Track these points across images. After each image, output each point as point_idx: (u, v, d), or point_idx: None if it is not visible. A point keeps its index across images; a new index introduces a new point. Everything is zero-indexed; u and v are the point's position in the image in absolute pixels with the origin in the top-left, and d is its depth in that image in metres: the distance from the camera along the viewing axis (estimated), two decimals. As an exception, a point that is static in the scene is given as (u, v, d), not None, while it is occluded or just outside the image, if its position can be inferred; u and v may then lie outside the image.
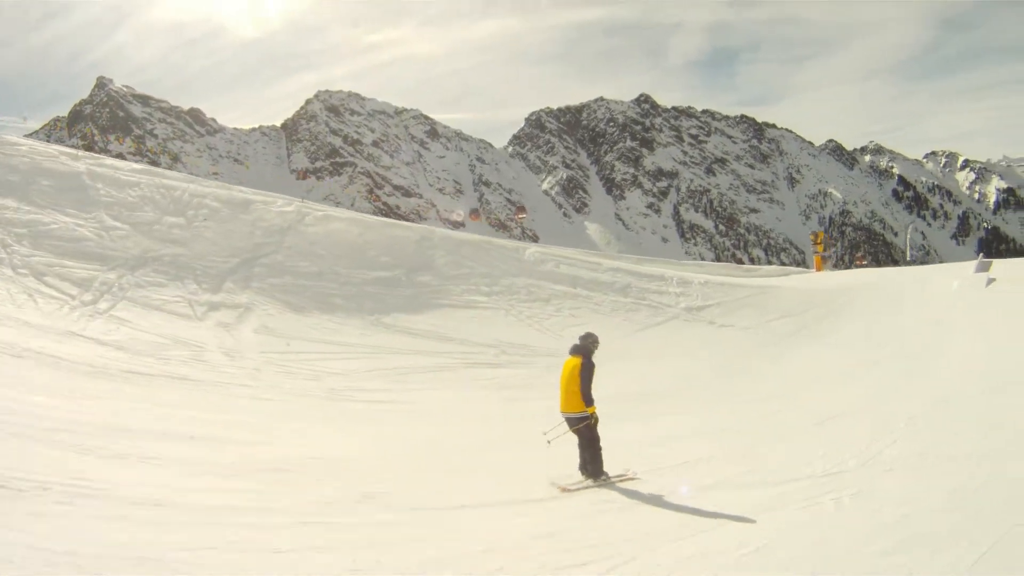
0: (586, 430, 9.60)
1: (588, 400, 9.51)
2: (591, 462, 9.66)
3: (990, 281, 23.93)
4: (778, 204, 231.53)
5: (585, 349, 9.80)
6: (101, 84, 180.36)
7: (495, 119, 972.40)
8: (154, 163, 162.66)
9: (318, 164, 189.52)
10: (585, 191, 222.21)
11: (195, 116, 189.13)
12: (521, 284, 27.82)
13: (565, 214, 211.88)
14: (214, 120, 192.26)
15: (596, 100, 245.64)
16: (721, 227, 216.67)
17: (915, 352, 17.64)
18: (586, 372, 9.51)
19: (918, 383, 14.18)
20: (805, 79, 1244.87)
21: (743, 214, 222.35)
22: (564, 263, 30.82)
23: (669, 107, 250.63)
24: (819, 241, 54.72)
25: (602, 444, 9.63)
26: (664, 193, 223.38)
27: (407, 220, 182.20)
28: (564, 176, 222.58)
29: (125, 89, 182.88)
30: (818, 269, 48.05)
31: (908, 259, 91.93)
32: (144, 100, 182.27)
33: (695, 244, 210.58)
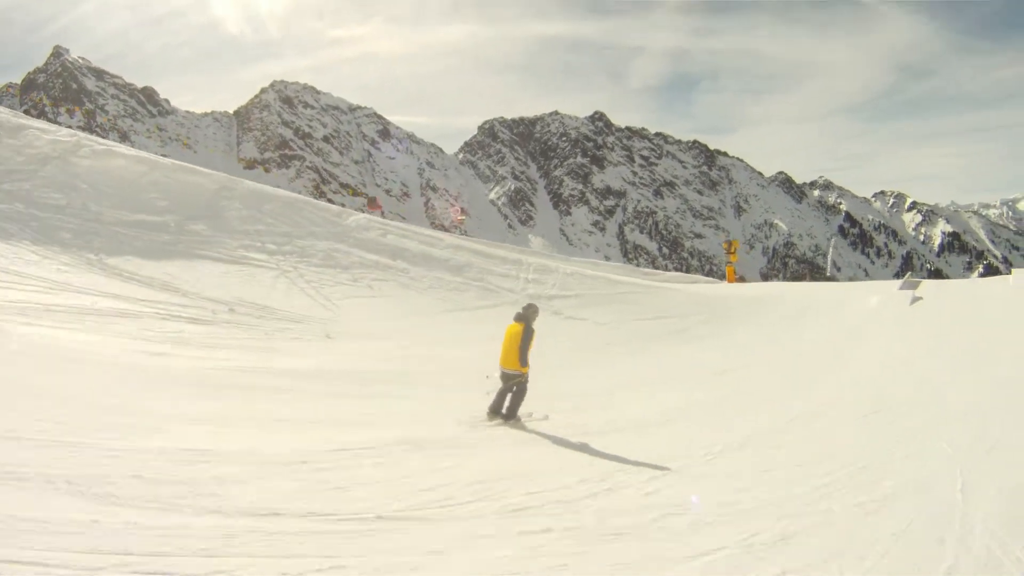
0: (518, 384, 11.23)
1: (523, 361, 11.10)
2: (512, 408, 11.28)
3: (915, 300, 24.58)
4: (723, 231, 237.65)
5: (526, 317, 11.36)
6: (57, 53, 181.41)
7: (449, 125, 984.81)
8: (103, 139, 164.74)
9: (267, 155, 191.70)
10: (532, 204, 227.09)
11: (148, 95, 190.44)
12: (322, 247, 26.62)
13: (510, 225, 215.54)
14: (167, 101, 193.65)
15: (551, 114, 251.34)
16: (665, 249, 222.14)
17: (785, 365, 17.86)
18: (526, 337, 11.07)
19: (751, 399, 13.89)
20: (761, 112, 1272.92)
21: (688, 238, 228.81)
22: (395, 233, 30.07)
23: (623, 127, 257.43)
24: (732, 250, 54.88)
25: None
26: (611, 212, 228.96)
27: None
28: (512, 187, 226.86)
29: (81, 61, 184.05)
30: (730, 280, 48.23)
31: (828, 275, 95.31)
32: (99, 74, 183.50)
33: (637, 265, 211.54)
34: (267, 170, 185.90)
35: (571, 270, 31.00)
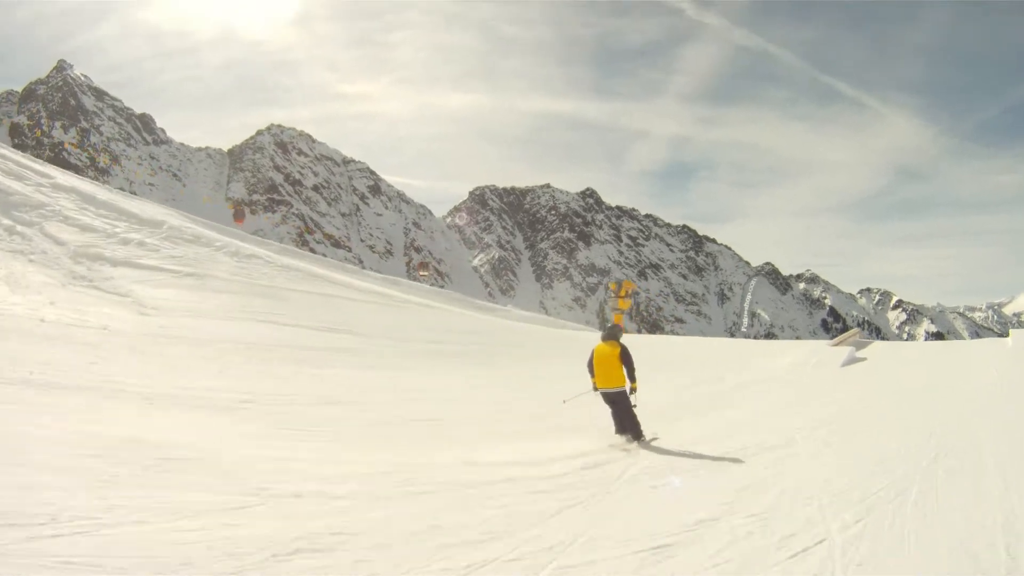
0: (627, 401, 11.73)
1: (633, 376, 11.71)
2: (636, 425, 11.66)
3: (853, 360, 21.74)
4: (705, 318, 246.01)
5: (616, 336, 12.01)
6: (60, 67, 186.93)
7: (441, 189, 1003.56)
8: (92, 160, 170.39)
9: (255, 197, 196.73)
10: (514, 274, 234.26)
11: (145, 122, 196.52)
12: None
13: (490, 293, 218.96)
14: (163, 131, 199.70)
15: (543, 186, 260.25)
16: (644, 332, 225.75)
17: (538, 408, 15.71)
18: (627, 353, 11.68)
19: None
20: (754, 204, 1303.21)
21: (668, 322, 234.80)
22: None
23: (613, 205, 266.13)
24: (622, 294, 41.12)
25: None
26: (593, 289, 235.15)
27: (332, 272, 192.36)
28: (496, 256, 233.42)
29: (83, 78, 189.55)
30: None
31: (743, 329, 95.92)
32: (99, 94, 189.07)
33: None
34: (253, 212, 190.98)
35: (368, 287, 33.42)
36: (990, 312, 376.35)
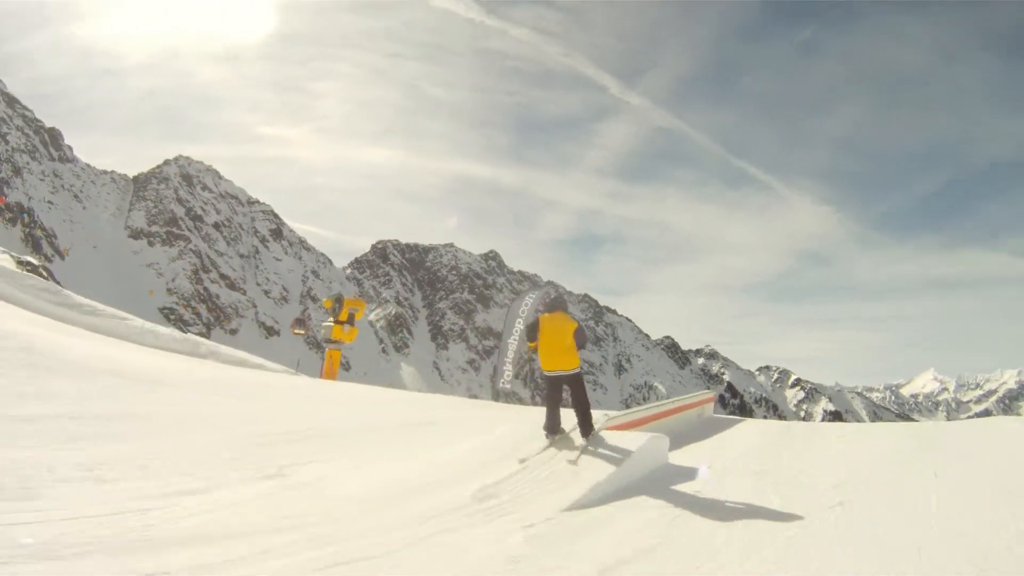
0: (580, 385, 10.84)
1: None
2: (587, 416, 10.75)
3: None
4: (601, 388, 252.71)
5: (565, 304, 11.13)
6: None
7: (345, 241, 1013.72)
8: None
9: (154, 228, 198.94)
10: (410, 332, 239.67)
11: (53, 137, 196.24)
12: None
13: (384, 350, 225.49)
14: (70, 148, 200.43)
15: (446, 245, 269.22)
16: (537, 399, 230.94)
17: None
18: (581, 326, 10.76)
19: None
20: (658, 280, 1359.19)
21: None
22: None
23: (516, 269, 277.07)
24: (342, 316, 36.03)
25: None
26: (488, 353, 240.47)
27: (223, 312, 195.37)
28: (393, 312, 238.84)
29: None
30: (330, 367, 34.28)
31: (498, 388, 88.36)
32: (10, 100, 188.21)
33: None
34: (151, 244, 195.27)
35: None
36: (887, 392, 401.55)
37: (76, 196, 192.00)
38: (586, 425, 10.74)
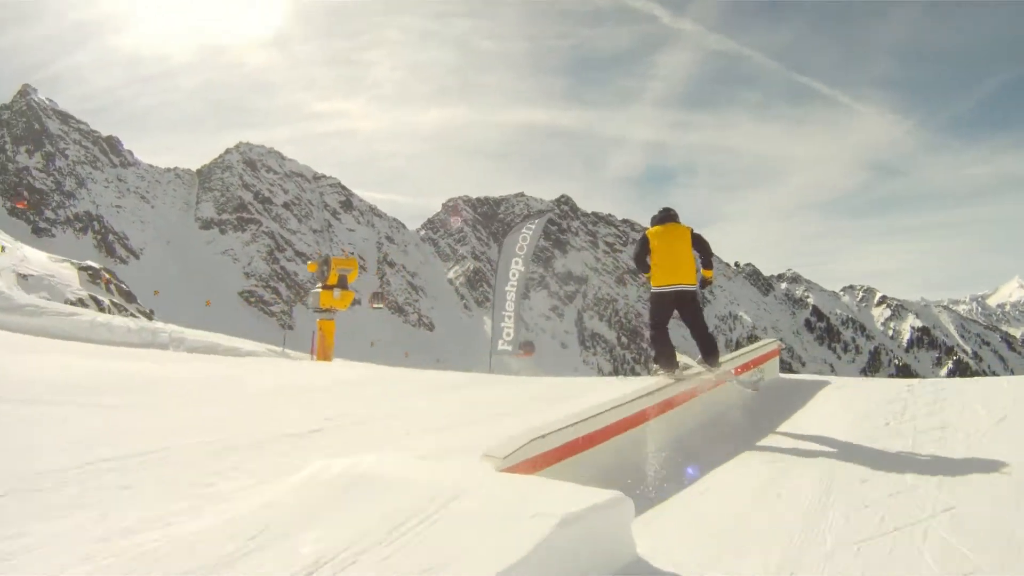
0: (698, 306, 9.54)
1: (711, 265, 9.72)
2: (710, 342, 9.46)
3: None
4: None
5: (676, 215, 9.87)
6: (24, 92, 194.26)
7: (416, 204, 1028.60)
8: (58, 184, 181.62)
9: (224, 216, 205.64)
10: (490, 285, 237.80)
11: (111, 145, 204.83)
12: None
13: (466, 306, 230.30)
14: (130, 152, 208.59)
15: (516, 195, 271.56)
16: (624, 339, 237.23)
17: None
18: (705, 240, 9.58)
19: None
20: (733, 207, 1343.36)
21: (648, 328, 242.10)
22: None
23: (589, 212, 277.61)
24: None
25: None
26: (570, 298, 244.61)
27: (303, 288, 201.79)
28: (471, 268, 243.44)
29: (47, 102, 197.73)
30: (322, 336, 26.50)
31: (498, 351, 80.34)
32: (64, 117, 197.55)
33: (594, 353, 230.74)
34: (223, 232, 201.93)
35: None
36: (974, 304, 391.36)
37: (143, 197, 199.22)
38: (714, 353, 9.51)
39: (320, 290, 24.81)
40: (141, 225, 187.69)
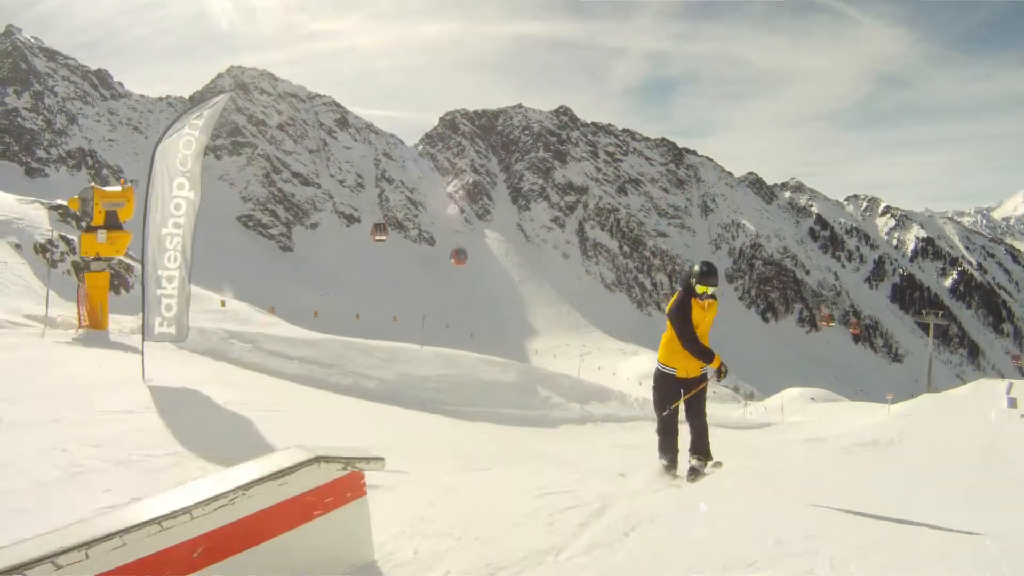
0: (703, 393, 8.89)
1: (702, 351, 8.62)
2: (704, 436, 8.90)
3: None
4: (688, 230, 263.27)
5: (685, 279, 8.79)
6: (8, 32, 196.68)
7: (414, 119, 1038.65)
8: (49, 123, 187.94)
9: (219, 142, 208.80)
10: (490, 198, 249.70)
11: (101, 78, 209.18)
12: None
13: (466, 219, 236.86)
14: (120, 84, 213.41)
15: (515, 107, 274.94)
16: (626, 248, 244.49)
17: None
18: (677, 311, 8.68)
19: None
20: (736, 117, 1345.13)
21: (651, 237, 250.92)
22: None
23: (588, 122, 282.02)
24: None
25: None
26: (571, 208, 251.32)
27: (300, 209, 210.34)
28: (471, 181, 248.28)
29: (32, 40, 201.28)
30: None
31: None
32: (51, 55, 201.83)
33: (596, 263, 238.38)
34: (218, 157, 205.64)
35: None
36: (979, 217, 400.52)
37: (136, 128, 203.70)
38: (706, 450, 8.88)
39: (82, 233, 18.25)
40: (135, 156, 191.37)
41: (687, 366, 8.73)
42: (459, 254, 71.42)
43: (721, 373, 8.77)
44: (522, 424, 23.15)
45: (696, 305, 8.62)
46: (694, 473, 8.65)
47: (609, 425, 26.50)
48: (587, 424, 25.79)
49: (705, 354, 8.57)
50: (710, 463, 8.80)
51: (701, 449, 8.77)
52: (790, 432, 36.61)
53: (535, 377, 29.06)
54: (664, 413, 8.96)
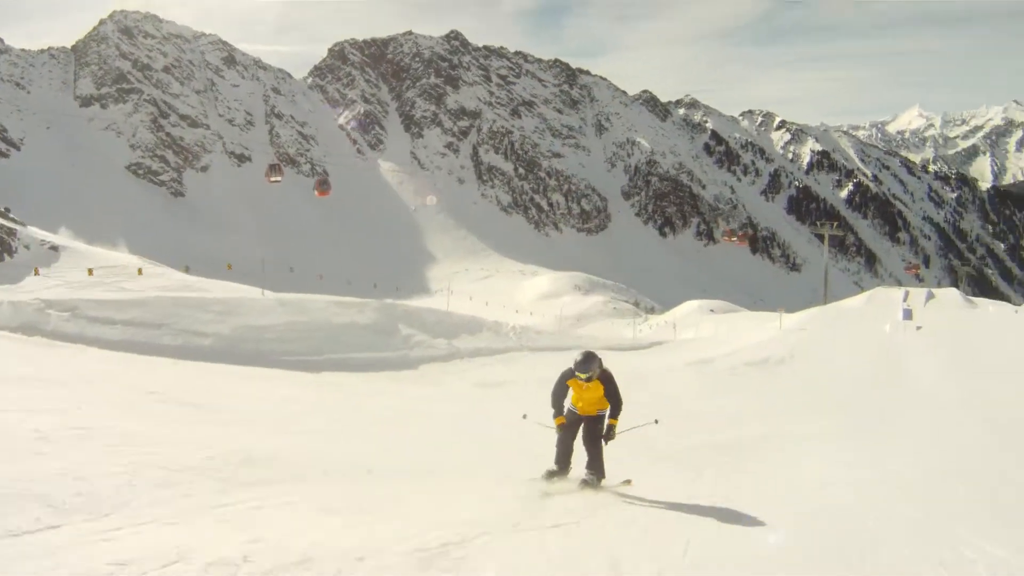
0: (597, 428, 10.91)
1: (554, 403, 11.09)
2: (597, 459, 10.85)
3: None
4: (583, 150, 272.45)
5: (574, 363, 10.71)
6: None
7: (304, 52, 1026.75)
8: None
9: (104, 90, 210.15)
10: (382, 127, 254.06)
11: None
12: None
13: (359, 150, 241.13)
14: (0, 40, 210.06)
15: (404, 34, 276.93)
16: (521, 170, 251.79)
17: None
18: (559, 377, 11.04)
19: None
20: (632, 37, 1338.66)
21: (545, 158, 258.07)
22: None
23: (480, 46, 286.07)
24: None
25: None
26: (464, 133, 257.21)
27: (190, 152, 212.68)
28: (362, 111, 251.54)
29: None
30: None
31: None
32: None
33: (492, 187, 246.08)
34: (104, 107, 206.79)
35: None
36: (874, 131, 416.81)
37: (17, 84, 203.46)
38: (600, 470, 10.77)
39: None
40: (19, 114, 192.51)
41: (584, 407, 10.78)
42: (322, 184, 70.04)
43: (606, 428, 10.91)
44: (379, 368, 24.10)
45: (575, 383, 10.74)
46: (584, 484, 10.46)
47: (478, 360, 27.78)
48: (453, 361, 27.11)
49: (556, 407, 11.00)
50: (602, 480, 10.65)
51: (593, 467, 10.63)
52: (680, 352, 39.08)
53: (396, 315, 30.17)
54: (561, 433, 10.99)
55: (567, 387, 10.91)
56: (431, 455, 12.90)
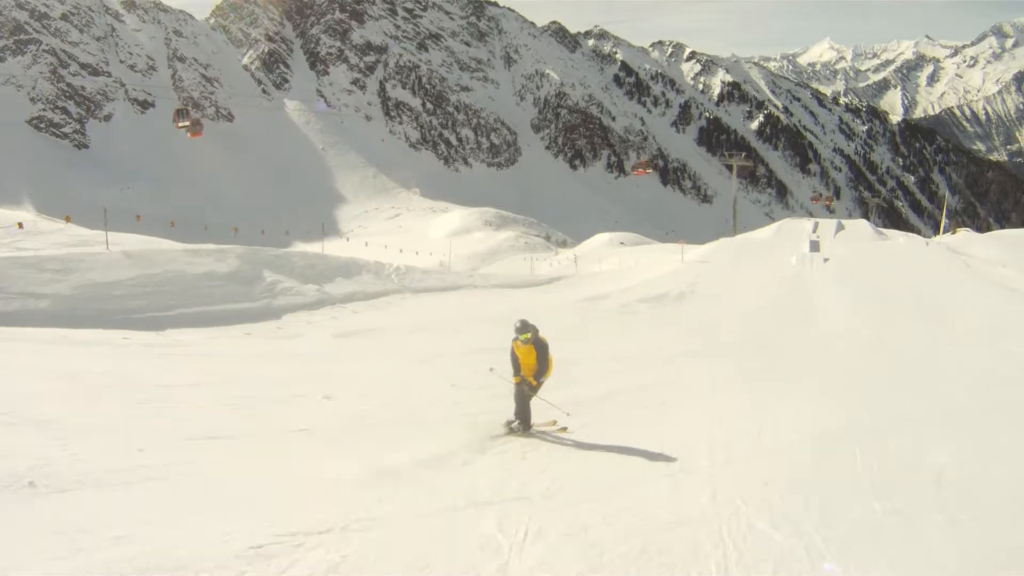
0: (521, 389, 12.73)
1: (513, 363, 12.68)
2: (523, 411, 12.80)
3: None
4: (492, 83, 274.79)
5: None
6: None
7: None
8: None
9: (1, 43, 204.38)
10: (287, 66, 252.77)
11: None
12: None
13: (264, 90, 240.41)
14: None
15: None
16: (429, 105, 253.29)
17: None
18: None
19: None
20: None
21: (454, 92, 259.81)
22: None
23: None
24: None
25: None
26: (371, 69, 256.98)
27: (92, 102, 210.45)
28: (266, 50, 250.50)
29: None
30: None
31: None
32: None
33: (400, 123, 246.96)
34: (2, 60, 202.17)
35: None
36: (784, 62, 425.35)
37: None
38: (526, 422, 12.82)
39: None
40: None
41: (524, 371, 12.58)
42: (194, 125, 64.61)
43: (529, 385, 12.65)
44: (236, 321, 22.71)
45: (516, 346, 12.63)
46: (507, 425, 12.83)
47: (352, 305, 26.88)
48: (323, 308, 25.89)
49: (514, 366, 12.85)
50: (516, 423, 12.75)
51: (519, 416, 12.71)
52: (579, 288, 38.82)
53: (261, 261, 28.81)
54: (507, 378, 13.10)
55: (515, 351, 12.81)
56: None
